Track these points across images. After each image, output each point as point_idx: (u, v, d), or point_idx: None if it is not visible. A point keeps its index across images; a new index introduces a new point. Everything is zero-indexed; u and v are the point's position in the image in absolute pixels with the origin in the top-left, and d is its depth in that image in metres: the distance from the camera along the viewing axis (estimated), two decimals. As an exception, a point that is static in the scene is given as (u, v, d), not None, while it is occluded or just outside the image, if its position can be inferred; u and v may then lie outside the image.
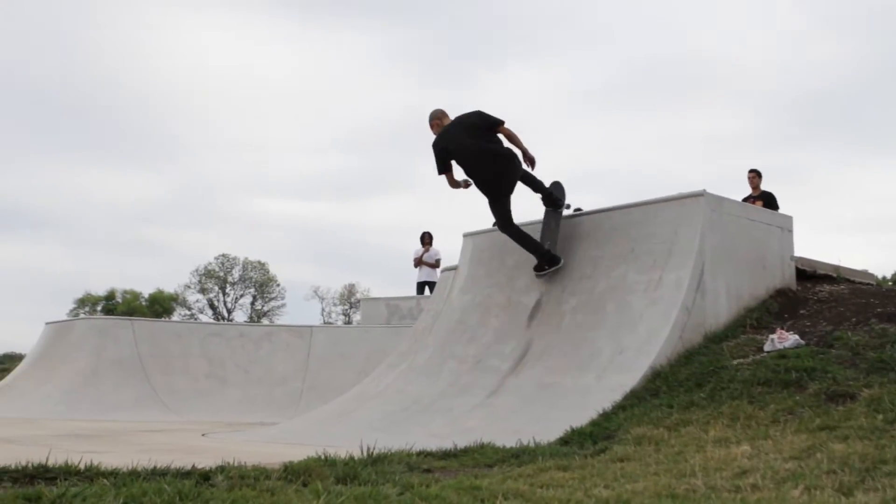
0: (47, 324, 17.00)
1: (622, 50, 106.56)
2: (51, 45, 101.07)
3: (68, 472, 4.03)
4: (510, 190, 8.53)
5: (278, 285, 79.44)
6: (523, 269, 9.04)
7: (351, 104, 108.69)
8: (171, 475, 4.07)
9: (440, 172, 8.51)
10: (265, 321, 67.72)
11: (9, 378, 16.20)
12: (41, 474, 4.00)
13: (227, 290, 78.69)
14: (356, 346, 15.55)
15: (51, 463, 4.10)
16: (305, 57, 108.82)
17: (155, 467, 4.21)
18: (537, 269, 8.75)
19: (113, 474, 4.00)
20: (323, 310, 78.09)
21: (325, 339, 16.18)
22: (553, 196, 8.94)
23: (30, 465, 4.05)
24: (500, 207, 8.56)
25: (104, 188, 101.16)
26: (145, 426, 10.53)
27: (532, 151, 8.61)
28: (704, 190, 8.13)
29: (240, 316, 75.90)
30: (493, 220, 8.77)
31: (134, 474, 4.02)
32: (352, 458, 4.84)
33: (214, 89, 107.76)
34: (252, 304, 78.72)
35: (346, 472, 4.34)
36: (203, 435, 9.06)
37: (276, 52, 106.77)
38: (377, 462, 4.83)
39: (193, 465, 4.33)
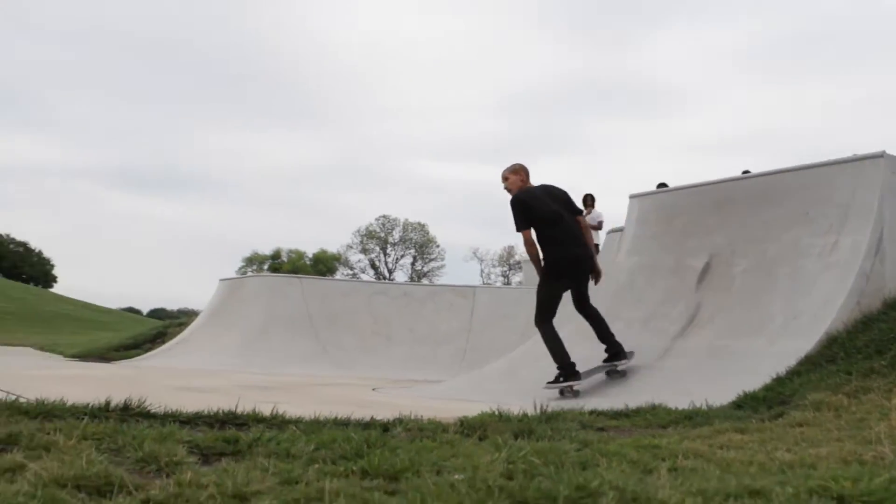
0: (221, 280, 17.76)
1: (789, 9, 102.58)
2: (218, 18, 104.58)
3: (256, 420, 4.25)
4: (579, 282, 7.89)
5: (438, 246, 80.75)
6: (692, 231, 8.89)
7: (512, 66, 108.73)
8: (352, 425, 4.23)
9: (521, 229, 7.74)
10: (425, 281, 68.69)
11: (186, 332, 17.07)
12: (231, 420, 4.22)
13: (388, 251, 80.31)
14: (518, 307, 15.47)
15: (239, 410, 4.32)
16: (465, 19, 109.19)
17: (336, 417, 4.38)
18: (552, 381, 7.59)
19: (298, 422, 4.19)
20: (482, 271, 78.84)
21: (488, 299, 16.27)
22: (622, 353, 7.92)
23: (220, 411, 4.28)
24: (554, 297, 7.79)
25: (271, 151, 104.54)
26: (317, 380, 10.89)
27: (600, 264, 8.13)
28: (884, 151, 7.77)
29: (400, 276, 77.53)
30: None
31: (318, 423, 4.19)
32: (525, 414, 4.90)
33: (377, 55, 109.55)
34: (412, 264, 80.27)
35: (521, 427, 4.39)
36: (373, 389, 9.32)
37: (434, 15, 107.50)
38: (551, 419, 4.87)
39: (372, 417, 4.48)
